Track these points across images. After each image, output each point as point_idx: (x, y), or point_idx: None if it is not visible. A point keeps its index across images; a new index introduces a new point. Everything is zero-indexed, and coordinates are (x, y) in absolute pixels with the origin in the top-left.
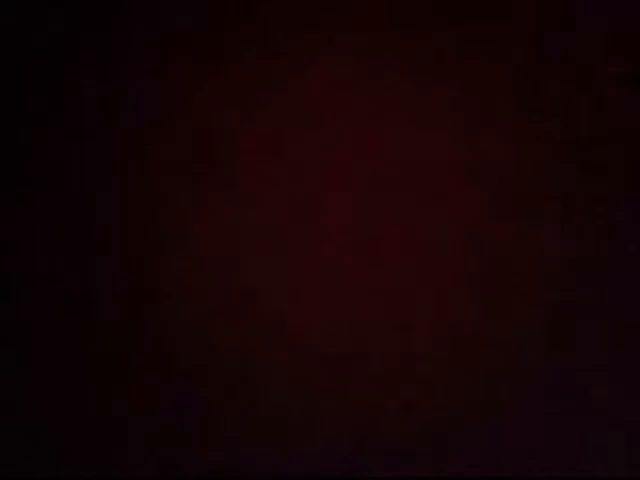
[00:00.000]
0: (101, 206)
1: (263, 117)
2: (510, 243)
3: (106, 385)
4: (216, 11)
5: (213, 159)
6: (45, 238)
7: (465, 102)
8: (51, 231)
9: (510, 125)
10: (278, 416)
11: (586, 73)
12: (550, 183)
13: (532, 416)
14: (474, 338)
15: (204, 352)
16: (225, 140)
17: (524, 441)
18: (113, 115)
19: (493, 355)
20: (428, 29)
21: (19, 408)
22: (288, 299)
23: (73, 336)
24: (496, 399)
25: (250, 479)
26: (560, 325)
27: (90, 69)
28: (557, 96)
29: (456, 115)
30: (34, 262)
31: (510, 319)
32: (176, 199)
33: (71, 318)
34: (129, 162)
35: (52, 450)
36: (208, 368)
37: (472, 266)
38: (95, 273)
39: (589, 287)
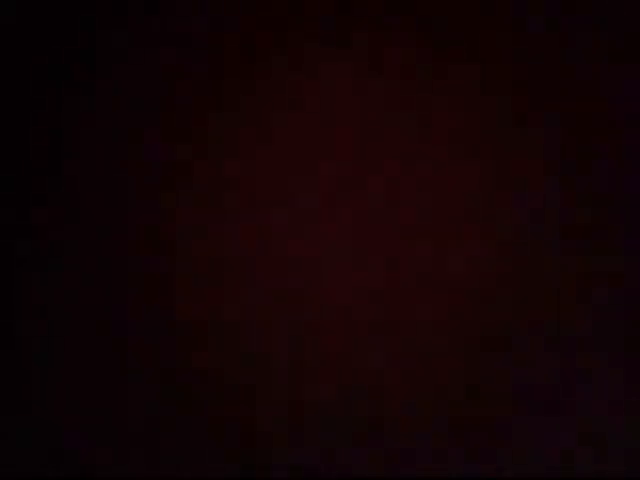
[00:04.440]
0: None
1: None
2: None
3: (110, 381)
4: (216, 36)
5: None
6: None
7: (466, 107)
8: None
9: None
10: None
11: (583, 77)
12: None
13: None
14: (484, 334)
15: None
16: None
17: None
18: (122, 118)
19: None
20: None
21: (20, 407)
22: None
23: (80, 332)
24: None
25: (260, 479)
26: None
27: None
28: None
29: (457, 121)
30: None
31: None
32: (195, 195)
33: (79, 312)
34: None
35: (53, 450)
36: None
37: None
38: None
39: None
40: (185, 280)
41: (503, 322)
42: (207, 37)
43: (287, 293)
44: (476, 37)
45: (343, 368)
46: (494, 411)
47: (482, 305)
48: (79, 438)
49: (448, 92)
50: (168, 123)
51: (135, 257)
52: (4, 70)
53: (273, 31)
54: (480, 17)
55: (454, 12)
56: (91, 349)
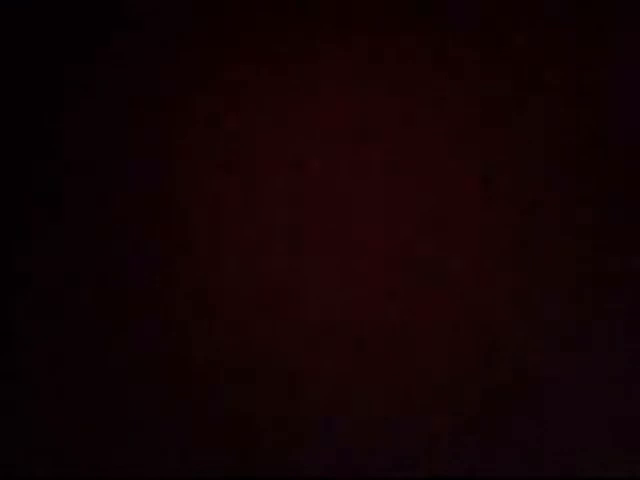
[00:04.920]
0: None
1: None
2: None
3: (109, 380)
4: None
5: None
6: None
7: (463, 102)
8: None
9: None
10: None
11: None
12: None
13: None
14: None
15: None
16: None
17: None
18: (128, 118)
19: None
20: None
21: (20, 407)
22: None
23: (80, 335)
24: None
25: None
26: (565, 325)
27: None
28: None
29: (455, 115)
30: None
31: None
32: (199, 201)
33: (79, 314)
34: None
35: (53, 449)
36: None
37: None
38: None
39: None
40: (185, 280)
41: (503, 322)
42: (207, 34)
43: (287, 293)
44: (476, 36)
45: (343, 368)
46: (495, 413)
47: (482, 305)
48: (79, 438)
49: (448, 90)
50: (168, 123)
51: (135, 256)
52: (3, 68)
53: (273, 30)
54: (480, 17)
55: (454, 11)
56: (91, 349)
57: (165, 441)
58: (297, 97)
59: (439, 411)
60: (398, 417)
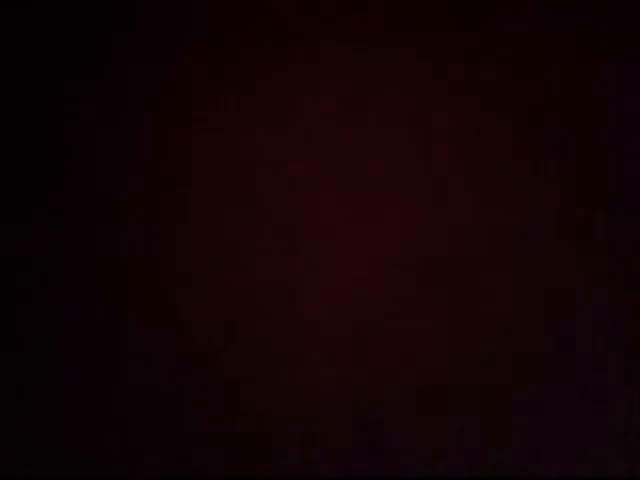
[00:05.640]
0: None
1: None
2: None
3: (108, 380)
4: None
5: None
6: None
7: (463, 103)
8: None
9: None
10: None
11: (585, 71)
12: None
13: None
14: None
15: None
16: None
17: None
18: (130, 121)
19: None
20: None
21: (20, 407)
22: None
23: (80, 332)
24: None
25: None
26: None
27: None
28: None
29: (455, 118)
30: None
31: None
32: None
33: (78, 311)
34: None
35: (53, 449)
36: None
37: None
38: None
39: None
40: (185, 281)
41: (503, 322)
42: (207, 31)
43: (286, 289)
44: (477, 38)
45: (343, 368)
46: (494, 412)
47: (482, 305)
48: (78, 437)
49: (448, 93)
50: (168, 123)
51: (135, 255)
52: (4, 61)
53: (273, 30)
54: (480, 17)
55: (454, 13)
56: (91, 348)
57: (165, 441)
58: (297, 98)
59: (439, 411)
60: (398, 417)
